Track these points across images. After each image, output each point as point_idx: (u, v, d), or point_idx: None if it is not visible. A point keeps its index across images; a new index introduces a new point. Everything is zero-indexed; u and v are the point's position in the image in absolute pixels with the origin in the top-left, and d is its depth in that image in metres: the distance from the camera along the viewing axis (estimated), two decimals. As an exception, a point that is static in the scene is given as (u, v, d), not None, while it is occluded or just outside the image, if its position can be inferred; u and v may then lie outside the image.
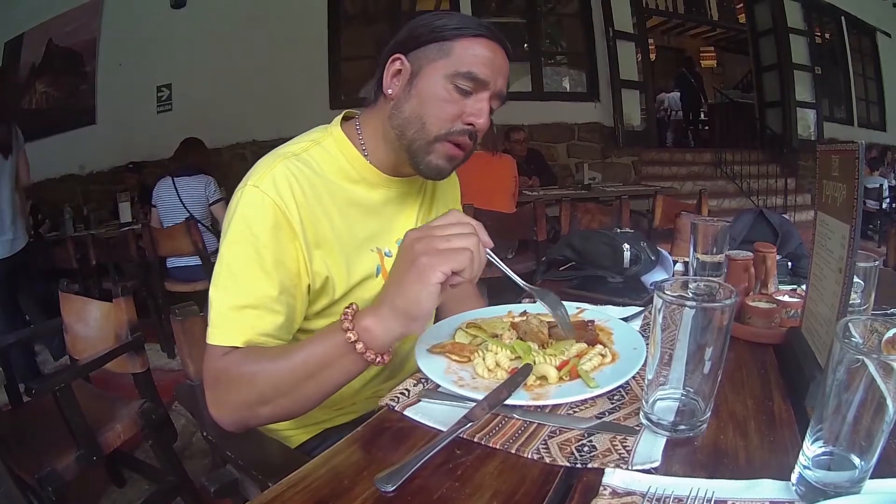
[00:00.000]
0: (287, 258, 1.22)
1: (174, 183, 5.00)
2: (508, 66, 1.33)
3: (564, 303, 1.43)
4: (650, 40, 11.57)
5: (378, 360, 1.05)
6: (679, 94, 14.19)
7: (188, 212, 4.92)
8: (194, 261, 4.73)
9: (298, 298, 1.27)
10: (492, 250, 1.08)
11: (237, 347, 1.17)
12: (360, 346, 1.02)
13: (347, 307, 1.07)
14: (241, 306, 1.18)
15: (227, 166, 7.85)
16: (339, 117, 1.41)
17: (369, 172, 1.37)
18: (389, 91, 1.32)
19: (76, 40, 9.53)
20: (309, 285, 1.28)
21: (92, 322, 2.44)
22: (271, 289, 1.20)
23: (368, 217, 1.38)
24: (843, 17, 11.47)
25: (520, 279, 1.20)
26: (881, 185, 9.44)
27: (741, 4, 12.33)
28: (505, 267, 1.16)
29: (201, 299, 1.27)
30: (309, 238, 1.25)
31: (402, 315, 1.01)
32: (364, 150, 1.37)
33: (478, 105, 1.27)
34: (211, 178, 5.16)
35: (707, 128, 14.30)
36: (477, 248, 1.00)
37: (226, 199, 5.05)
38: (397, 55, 1.30)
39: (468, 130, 1.29)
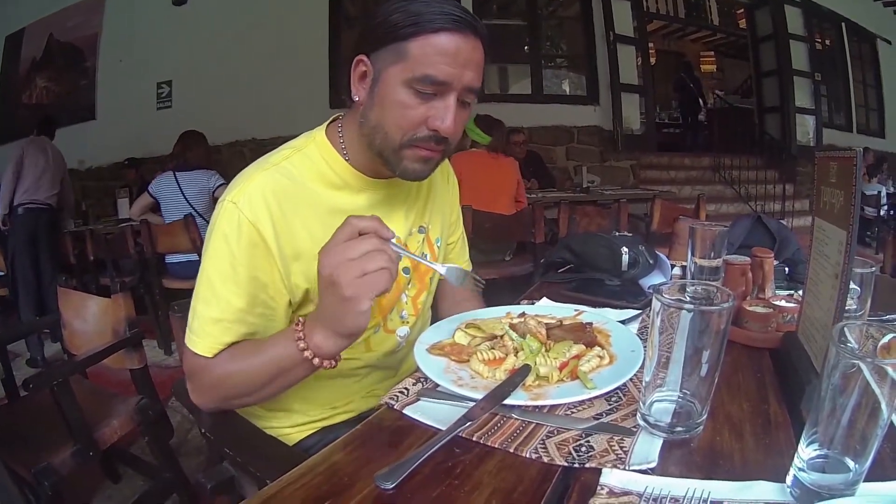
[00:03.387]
0: (263, 274, 1.25)
1: (176, 178, 4.99)
2: (481, 54, 1.22)
3: (563, 305, 1.44)
4: (650, 44, 11.57)
5: (328, 364, 1.15)
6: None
7: (191, 206, 4.92)
8: (193, 257, 4.72)
9: (279, 311, 1.30)
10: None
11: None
12: (316, 360, 1.12)
13: (296, 324, 1.14)
14: (217, 319, 1.22)
15: (226, 164, 7.83)
16: (326, 122, 1.40)
17: (352, 177, 1.35)
18: (356, 97, 1.27)
19: (77, 35, 9.53)
20: (290, 300, 1.30)
21: (90, 317, 2.44)
22: (245, 303, 1.23)
23: None
24: (843, 24, 11.47)
25: (427, 261, 1.29)
26: (879, 193, 9.46)
27: (742, 10, 12.32)
28: (409, 252, 1.22)
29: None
30: (286, 252, 1.26)
31: (344, 336, 1.10)
32: (346, 153, 1.34)
33: (441, 109, 1.20)
34: (213, 170, 5.17)
35: (706, 132, 14.29)
36: (389, 261, 1.03)
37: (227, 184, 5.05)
38: (360, 56, 1.24)
39: (433, 136, 1.22)
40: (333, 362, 1.15)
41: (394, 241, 1.07)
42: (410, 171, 1.27)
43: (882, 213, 9.39)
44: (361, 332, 1.10)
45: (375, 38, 1.21)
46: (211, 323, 1.22)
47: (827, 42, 11.54)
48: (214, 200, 4.91)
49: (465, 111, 1.25)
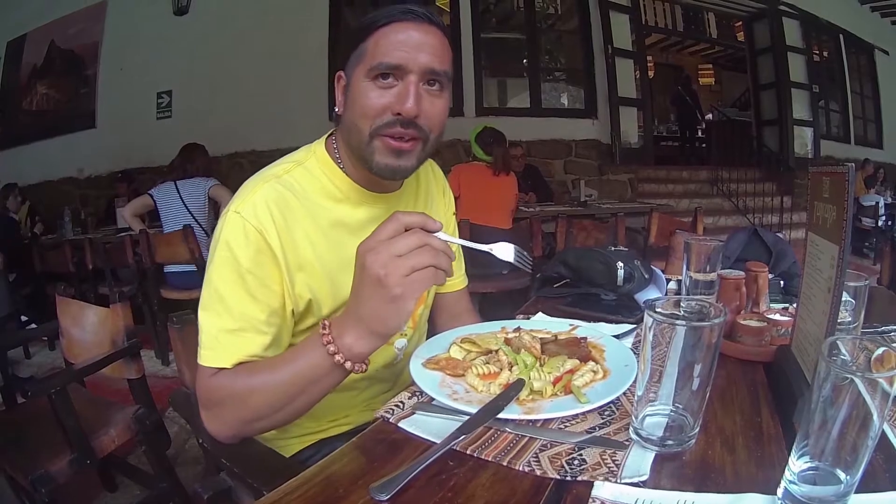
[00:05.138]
0: (272, 281, 1.25)
1: (176, 186, 5.02)
2: (439, 38, 1.25)
3: (558, 319, 1.45)
4: (649, 57, 11.60)
5: (359, 368, 1.11)
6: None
7: (190, 213, 4.94)
8: (191, 268, 4.72)
9: (285, 319, 1.29)
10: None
11: (226, 368, 1.21)
12: (348, 364, 1.09)
13: (322, 327, 1.11)
14: (231, 329, 1.21)
15: (225, 175, 7.82)
16: (325, 136, 1.42)
17: (352, 191, 1.37)
18: (338, 109, 1.32)
19: (78, 43, 9.55)
20: (293, 309, 1.30)
21: (88, 326, 2.45)
22: (259, 312, 1.23)
23: (353, 236, 1.32)
24: (841, 36, 11.54)
25: (475, 244, 1.18)
26: (877, 203, 9.49)
27: (740, 22, 12.36)
28: (459, 240, 1.18)
29: (197, 306, 1.29)
30: (290, 262, 1.26)
31: (381, 335, 1.09)
32: (342, 167, 1.36)
33: (402, 93, 1.21)
34: (211, 177, 5.20)
35: (704, 145, 14.32)
36: (436, 257, 1.02)
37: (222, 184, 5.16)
38: (339, 72, 1.31)
39: (397, 120, 1.22)
40: (364, 366, 1.12)
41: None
42: (385, 167, 1.27)
43: (880, 223, 9.42)
44: (398, 331, 1.11)
45: (345, 51, 1.28)
46: (224, 333, 1.21)
47: (825, 54, 11.61)
48: (209, 200, 4.97)
49: (437, 98, 1.27)
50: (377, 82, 1.21)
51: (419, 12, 1.22)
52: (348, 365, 1.09)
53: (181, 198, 4.98)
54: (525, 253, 1.20)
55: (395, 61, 1.19)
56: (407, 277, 0.99)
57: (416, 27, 1.22)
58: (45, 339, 5.30)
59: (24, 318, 5.65)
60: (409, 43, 1.20)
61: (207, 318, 1.24)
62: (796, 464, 0.73)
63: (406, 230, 1.02)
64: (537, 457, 0.89)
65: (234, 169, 8.82)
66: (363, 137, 1.25)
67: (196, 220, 4.89)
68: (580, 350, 1.22)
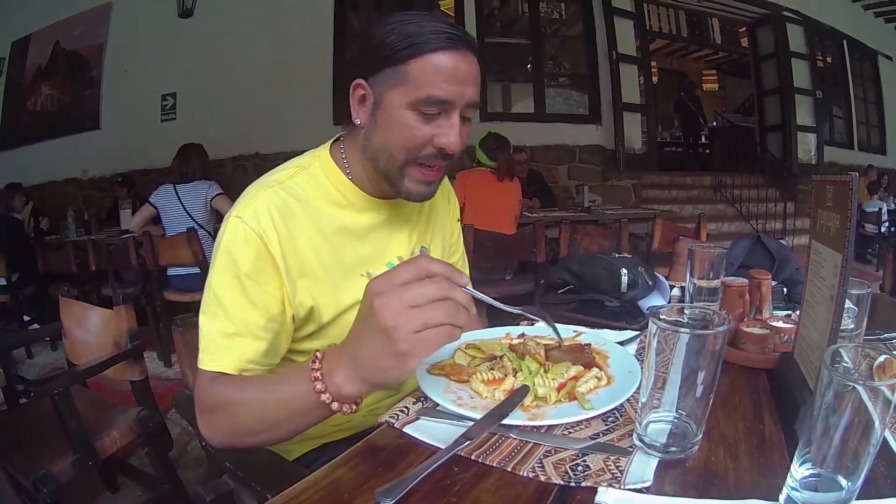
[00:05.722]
0: (271, 287, 1.24)
1: (176, 190, 5.00)
2: (477, 69, 1.22)
3: (562, 325, 1.45)
4: (653, 63, 11.60)
5: (348, 410, 1.04)
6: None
7: (192, 218, 4.92)
8: (194, 270, 4.72)
9: (284, 325, 1.28)
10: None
11: (226, 373, 1.20)
12: (335, 405, 1.02)
13: (313, 360, 1.04)
14: (229, 334, 1.21)
15: (228, 178, 7.84)
16: (330, 141, 1.41)
17: (356, 197, 1.36)
18: (358, 121, 1.28)
19: (83, 45, 9.53)
20: (293, 315, 1.29)
21: (91, 328, 2.45)
22: (258, 317, 1.23)
23: (358, 242, 1.36)
24: (844, 41, 11.55)
25: (504, 305, 1.12)
26: (880, 210, 9.49)
27: (744, 28, 12.36)
28: (488, 298, 1.09)
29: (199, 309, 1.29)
30: (291, 268, 1.26)
31: (375, 385, 1.00)
32: (349, 173, 1.35)
33: (446, 127, 1.20)
34: (212, 180, 5.16)
35: (708, 151, 14.31)
36: (455, 315, 0.92)
37: (225, 194, 5.12)
38: (358, 81, 1.24)
39: (439, 153, 1.23)
40: (354, 407, 1.04)
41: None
42: (415, 194, 1.28)
43: (883, 229, 9.41)
44: (395, 384, 1.02)
45: (372, 61, 1.21)
46: (222, 337, 1.21)
47: (828, 59, 11.62)
48: (212, 209, 4.95)
49: (467, 126, 1.26)
50: (421, 114, 1.19)
51: (461, 38, 1.18)
52: (335, 406, 1.02)
53: (182, 204, 4.97)
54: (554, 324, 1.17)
55: (444, 96, 1.17)
56: (418, 334, 0.89)
57: (462, 57, 1.18)
58: (48, 339, 5.30)
59: (26, 319, 5.66)
60: (458, 76, 1.18)
61: (207, 322, 1.24)
62: (798, 470, 0.73)
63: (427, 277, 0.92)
64: (541, 463, 0.90)
65: (238, 172, 8.82)
66: (395, 163, 1.24)
67: (197, 223, 4.89)
68: (584, 356, 1.22)
